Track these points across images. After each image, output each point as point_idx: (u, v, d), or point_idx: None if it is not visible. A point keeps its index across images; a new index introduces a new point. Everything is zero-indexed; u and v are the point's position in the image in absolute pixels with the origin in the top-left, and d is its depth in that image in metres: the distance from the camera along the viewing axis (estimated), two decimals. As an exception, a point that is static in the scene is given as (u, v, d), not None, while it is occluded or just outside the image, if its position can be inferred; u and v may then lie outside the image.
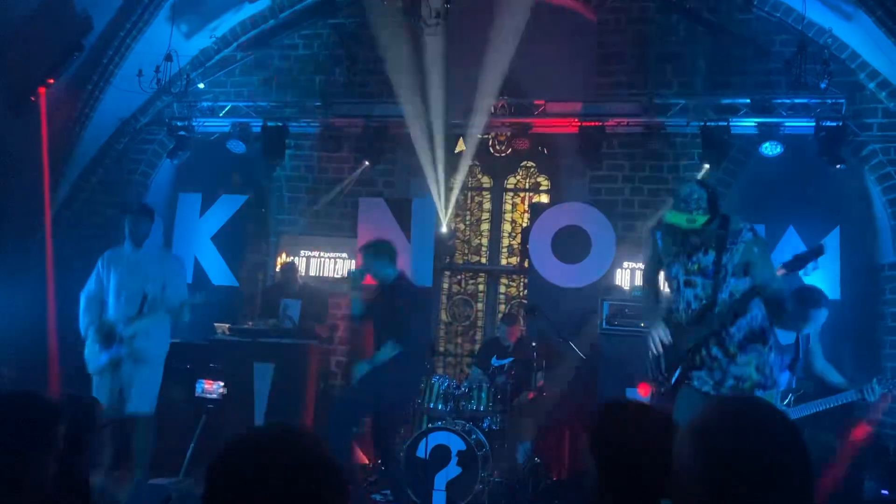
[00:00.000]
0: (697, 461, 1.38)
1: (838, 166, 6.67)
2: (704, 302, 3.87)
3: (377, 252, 5.49)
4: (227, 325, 7.16)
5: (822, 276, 6.63)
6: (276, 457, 1.35)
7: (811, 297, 4.96)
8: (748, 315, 3.88)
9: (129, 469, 5.58)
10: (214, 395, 5.89)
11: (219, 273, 8.29)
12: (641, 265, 6.26)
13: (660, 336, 3.94)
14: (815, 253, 3.92)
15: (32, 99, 7.37)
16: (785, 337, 4.84)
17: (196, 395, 6.02)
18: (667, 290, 4.17)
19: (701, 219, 3.75)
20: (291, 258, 8.02)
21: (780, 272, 3.80)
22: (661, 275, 4.28)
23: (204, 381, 5.99)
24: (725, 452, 1.35)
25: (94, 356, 5.38)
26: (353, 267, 6.86)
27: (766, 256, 3.95)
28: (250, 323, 7.22)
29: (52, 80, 7.34)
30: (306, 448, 1.39)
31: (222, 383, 5.16)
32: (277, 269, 7.99)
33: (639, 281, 6.64)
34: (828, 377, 4.99)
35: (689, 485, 1.39)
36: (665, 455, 1.49)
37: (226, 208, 8.38)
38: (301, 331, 7.06)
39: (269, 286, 8.07)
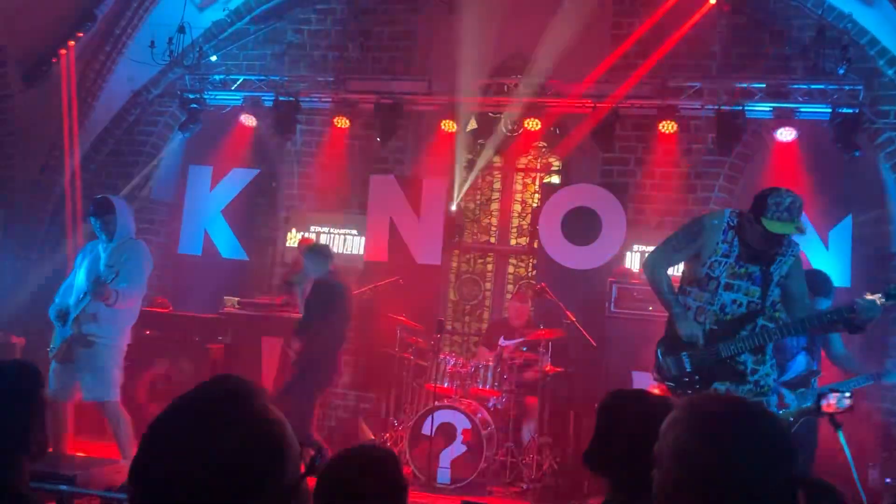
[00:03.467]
0: (686, 454, 1.38)
1: (853, 153, 6.62)
2: (743, 309, 3.83)
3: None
4: (237, 299, 7.20)
5: (832, 264, 6.61)
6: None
7: (815, 281, 4.92)
8: None
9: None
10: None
11: (228, 246, 8.32)
12: (650, 249, 6.06)
13: (698, 335, 3.83)
14: None
15: (45, 68, 7.37)
16: None
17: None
18: (695, 288, 3.95)
19: (801, 225, 3.77)
20: (304, 234, 8.00)
21: (879, 300, 3.66)
22: (671, 269, 4.18)
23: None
24: (715, 450, 1.36)
25: (53, 340, 5.36)
26: None
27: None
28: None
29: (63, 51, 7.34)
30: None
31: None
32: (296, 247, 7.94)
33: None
34: (846, 365, 4.97)
35: (676, 475, 1.39)
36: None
37: (236, 182, 8.39)
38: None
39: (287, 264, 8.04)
